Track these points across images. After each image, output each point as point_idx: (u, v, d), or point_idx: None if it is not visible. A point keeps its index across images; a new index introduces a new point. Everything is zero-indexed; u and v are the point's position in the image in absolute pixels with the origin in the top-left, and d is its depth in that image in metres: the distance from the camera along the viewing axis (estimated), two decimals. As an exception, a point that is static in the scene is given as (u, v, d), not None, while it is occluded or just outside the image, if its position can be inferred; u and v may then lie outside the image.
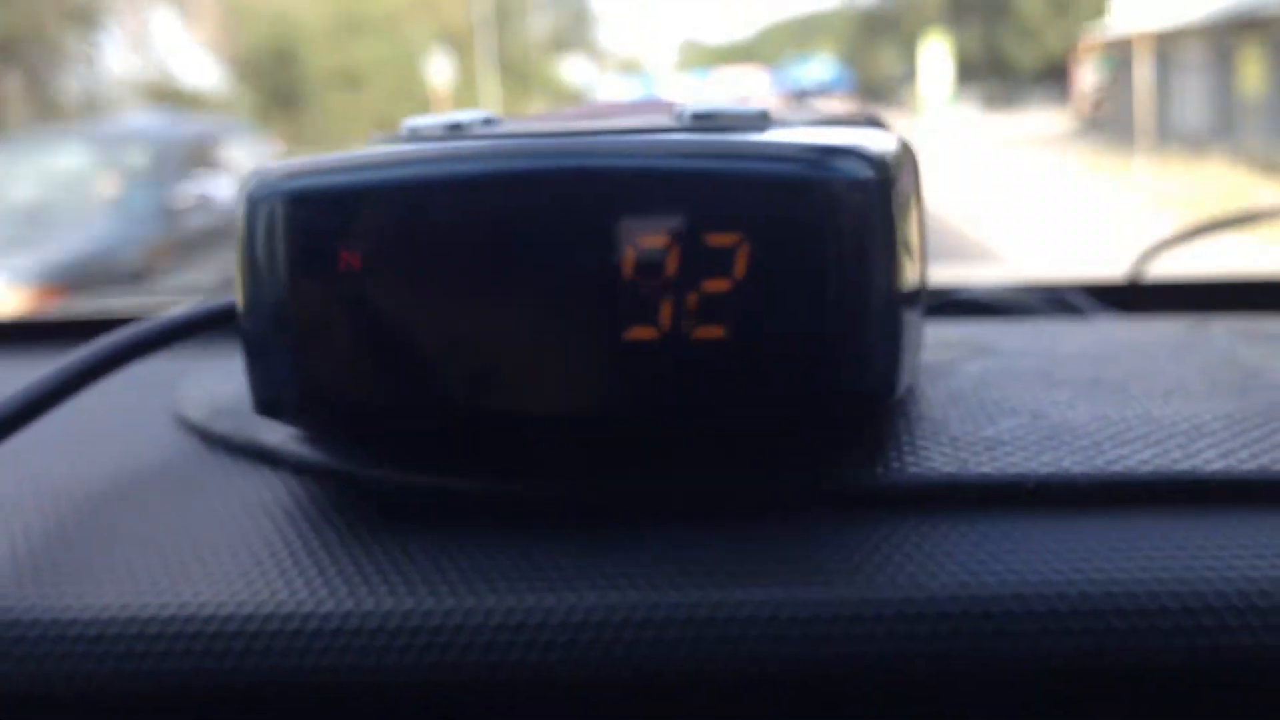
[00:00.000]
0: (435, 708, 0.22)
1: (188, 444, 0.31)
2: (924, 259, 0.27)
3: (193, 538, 0.26)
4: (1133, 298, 0.54)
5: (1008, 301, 0.49)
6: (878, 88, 45.77)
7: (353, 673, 0.22)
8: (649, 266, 0.23)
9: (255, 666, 0.22)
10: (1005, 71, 29.87)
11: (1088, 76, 16.26)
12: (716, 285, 0.23)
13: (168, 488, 0.28)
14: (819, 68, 42.03)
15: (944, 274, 0.46)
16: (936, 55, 23.87)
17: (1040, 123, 20.61)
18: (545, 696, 0.22)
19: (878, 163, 0.23)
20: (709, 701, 0.22)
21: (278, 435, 0.29)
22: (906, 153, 0.27)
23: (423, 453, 0.27)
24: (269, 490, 0.28)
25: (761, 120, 0.25)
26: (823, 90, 41.85)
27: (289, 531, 0.25)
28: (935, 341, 0.33)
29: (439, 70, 15.16)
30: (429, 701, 0.22)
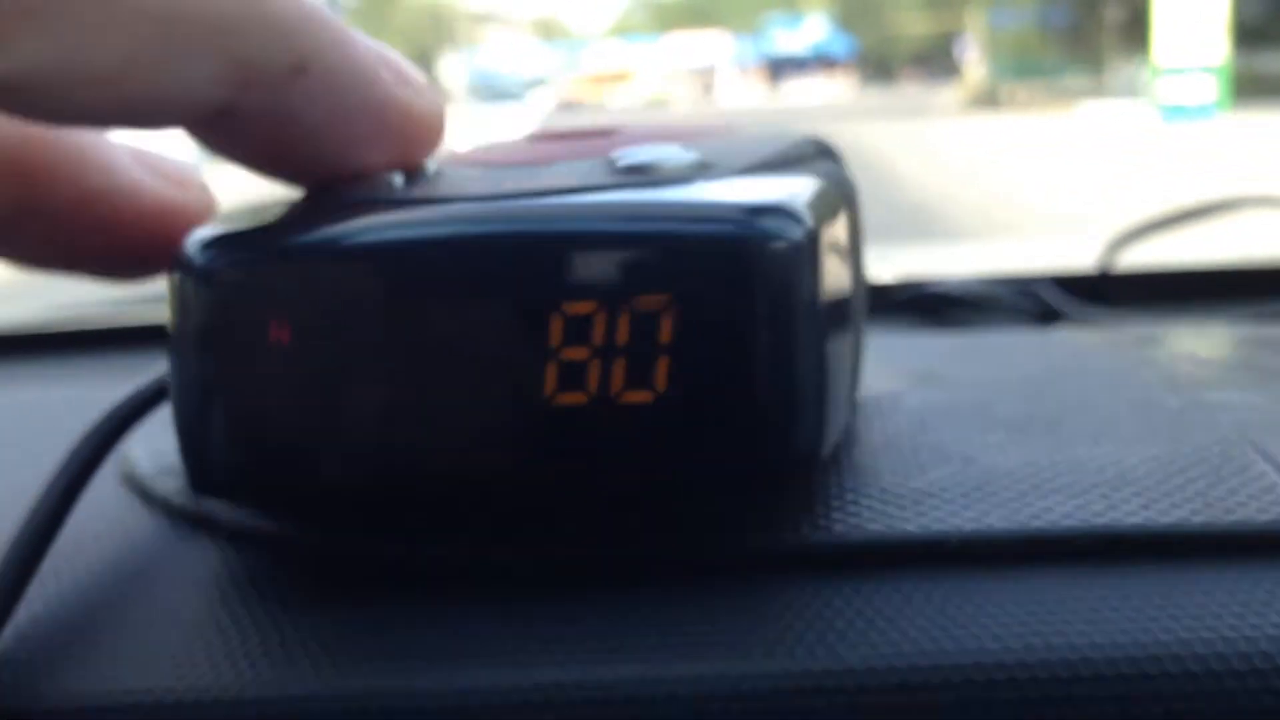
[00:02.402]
0: None
1: (130, 503, 0.31)
2: (862, 295, 0.28)
3: (125, 613, 0.26)
4: (1103, 288, 0.57)
5: (976, 295, 0.52)
6: (890, 57, 35.91)
7: None
8: (577, 332, 0.23)
9: None
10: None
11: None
12: (643, 350, 0.23)
13: (107, 558, 0.28)
14: (808, 32, 33.58)
15: (914, 256, 0.51)
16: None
17: None
18: None
19: (806, 218, 0.23)
20: None
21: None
22: (843, 192, 0.28)
23: (356, 519, 0.27)
24: (203, 558, 0.28)
25: (696, 171, 0.26)
26: (815, 61, 34.45)
27: (220, 608, 0.25)
28: (881, 363, 0.34)
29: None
30: None
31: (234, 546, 0.28)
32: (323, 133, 0.24)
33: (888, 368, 0.35)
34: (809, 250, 0.23)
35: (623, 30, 37.06)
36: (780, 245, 0.23)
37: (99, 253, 0.26)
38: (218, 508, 0.29)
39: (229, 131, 0.24)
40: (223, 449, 0.25)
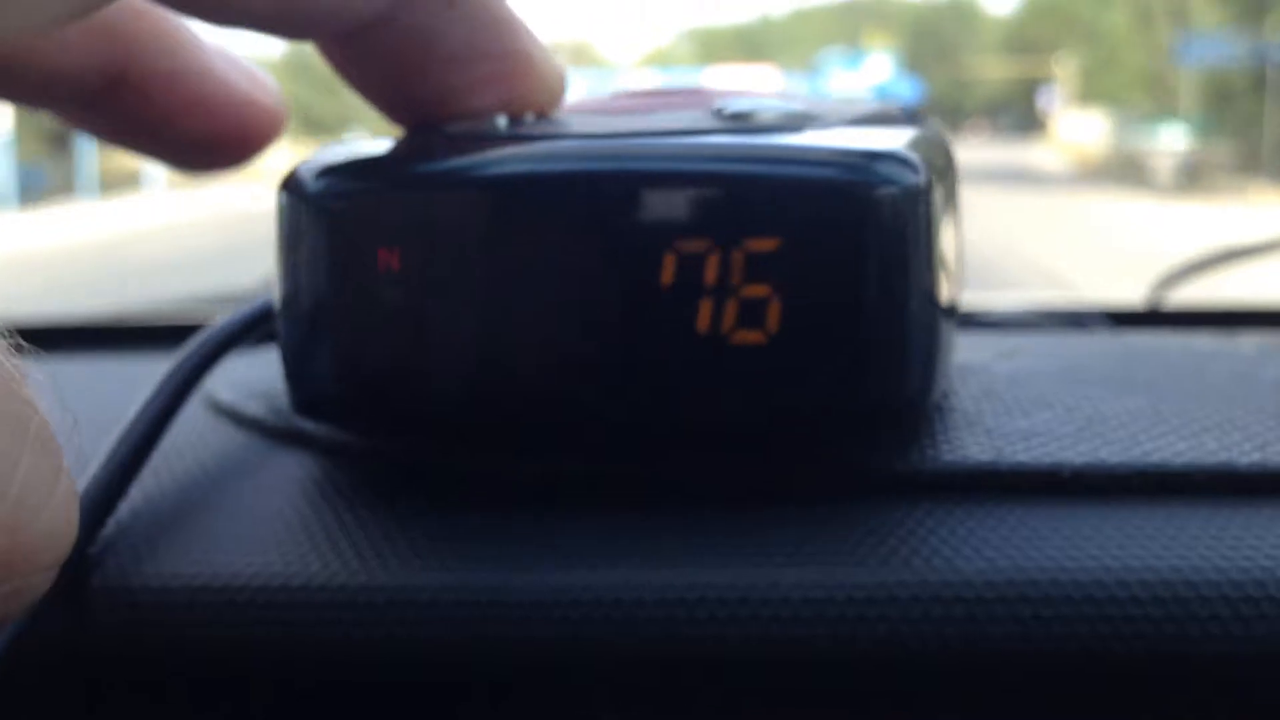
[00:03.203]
0: (465, 678, 0.24)
1: (220, 426, 0.33)
2: (961, 262, 0.29)
3: (227, 511, 0.27)
4: (1153, 323, 0.58)
5: (1029, 322, 0.53)
6: (961, 104, 32.49)
7: (387, 643, 0.24)
8: (689, 271, 0.24)
9: (295, 634, 0.24)
10: None
11: None
12: (756, 291, 0.24)
13: (204, 468, 0.30)
14: (874, 71, 30.40)
15: (966, 297, 0.47)
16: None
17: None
18: (580, 674, 0.24)
19: (920, 165, 0.24)
20: (743, 682, 0.23)
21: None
22: (948, 155, 0.28)
23: (455, 440, 0.28)
24: (302, 470, 0.29)
25: (801, 120, 0.26)
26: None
27: (323, 509, 0.26)
28: (965, 345, 0.35)
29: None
30: (459, 671, 0.24)
31: (329, 459, 0.29)
32: (455, 65, 0.25)
33: (969, 346, 0.35)
34: (923, 197, 0.24)
35: (662, 60, 33.92)
36: (896, 190, 0.23)
37: (182, 134, 0.27)
38: (310, 426, 0.29)
39: (368, 49, 0.24)
40: (329, 371, 0.26)
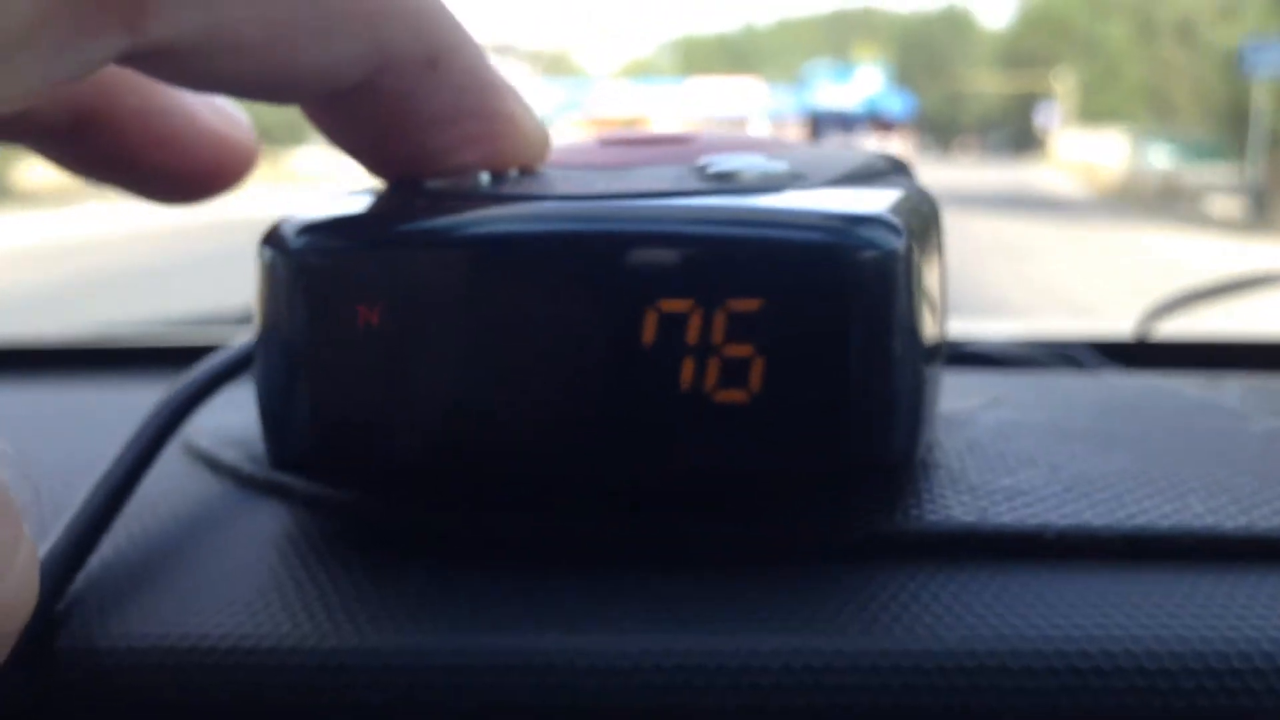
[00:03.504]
0: None
1: (195, 473, 0.33)
2: (945, 312, 0.30)
3: (199, 567, 0.27)
4: (1140, 356, 0.57)
5: (1015, 356, 0.53)
6: (955, 120, 31.27)
7: (357, 708, 0.23)
8: (671, 330, 0.24)
9: (260, 696, 0.24)
10: None
11: None
12: (738, 350, 0.24)
13: (177, 518, 0.30)
14: (863, 84, 29.21)
15: (952, 326, 0.48)
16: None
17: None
18: None
19: (903, 228, 0.25)
20: None
21: None
22: (931, 208, 0.29)
23: (429, 495, 0.28)
24: (277, 523, 0.29)
25: (784, 180, 0.27)
26: (866, 119, 30.15)
27: (295, 565, 0.27)
28: (950, 390, 0.36)
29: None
30: None
31: (305, 511, 0.29)
32: (437, 127, 0.25)
33: (953, 392, 0.36)
34: (905, 260, 0.24)
35: (642, 70, 32.64)
36: (878, 255, 0.24)
37: (153, 170, 0.27)
38: (287, 477, 0.29)
39: (347, 113, 0.25)
40: (306, 425, 0.26)
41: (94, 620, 0.25)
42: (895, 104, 29.12)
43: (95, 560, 0.27)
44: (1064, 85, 26.91)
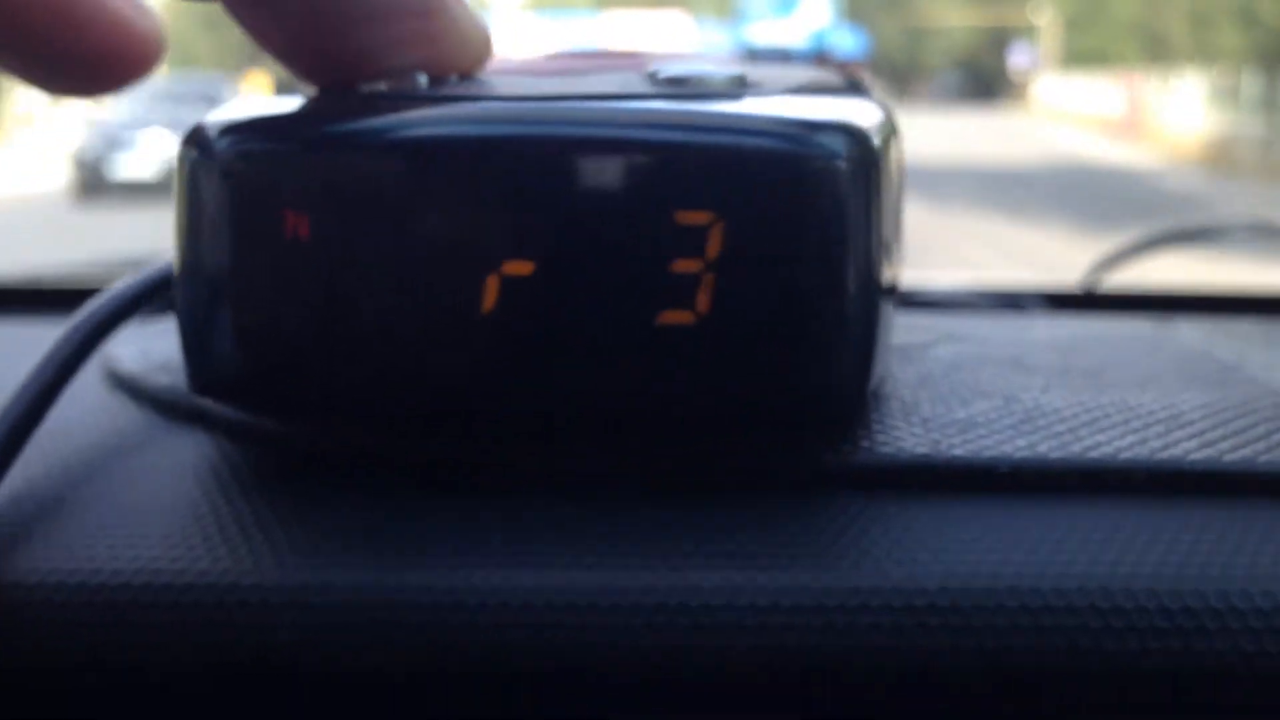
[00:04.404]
0: (363, 683, 0.23)
1: (116, 400, 0.32)
2: (901, 241, 0.29)
3: (115, 498, 0.26)
4: (1089, 306, 0.59)
5: (964, 302, 0.55)
6: (916, 60, 27.60)
7: (277, 648, 0.23)
8: (617, 243, 0.23)
9: (177, 636, 0.23)
10: None
11: None
12: (685, 267, 0.23)
13: (94, 446, 0.29)
14: (808, 17, 25.70)
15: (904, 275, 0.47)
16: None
17: None
18: (489, 682, 0.23)
19: (866, 139, 0.24)
20: (657, 692, 0.23)
21: None
22: (893, 126, 0.28)
23: (360, 421, 0.27)
24: (200, 452, 0.28)
25: (741, 86, 0.26)
26: (818, 58, 26.86)
27: (218, 497, 0.26)
28: (904, 326, 0.35)
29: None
30: (356, 680, 0.23)
31: (229, 441, 0.28)
32: (372, 24, 0.24)
33: (906, 328, 0.35)
34: (868, 172, 0.23)
35: (549, 3, 28.89)
36: (839, 164, 0.23)
37: (51, 54, 0.26)
38: (211, 404, 0.28)
39: (279, 7, 0.24)
40: (228, 346, 0.25)
41: (0, 554, 0.24)
42: (846, 41, 25.80)
43: (3, 490, 0.26)
44: (1044, 20, 23.45)
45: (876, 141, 0.24)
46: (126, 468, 0.27)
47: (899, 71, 28.87)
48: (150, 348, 0.33)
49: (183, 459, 0.28)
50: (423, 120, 0.24)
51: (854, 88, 0.30)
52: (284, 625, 0.22)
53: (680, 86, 0.25)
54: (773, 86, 0.26)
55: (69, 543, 0.24)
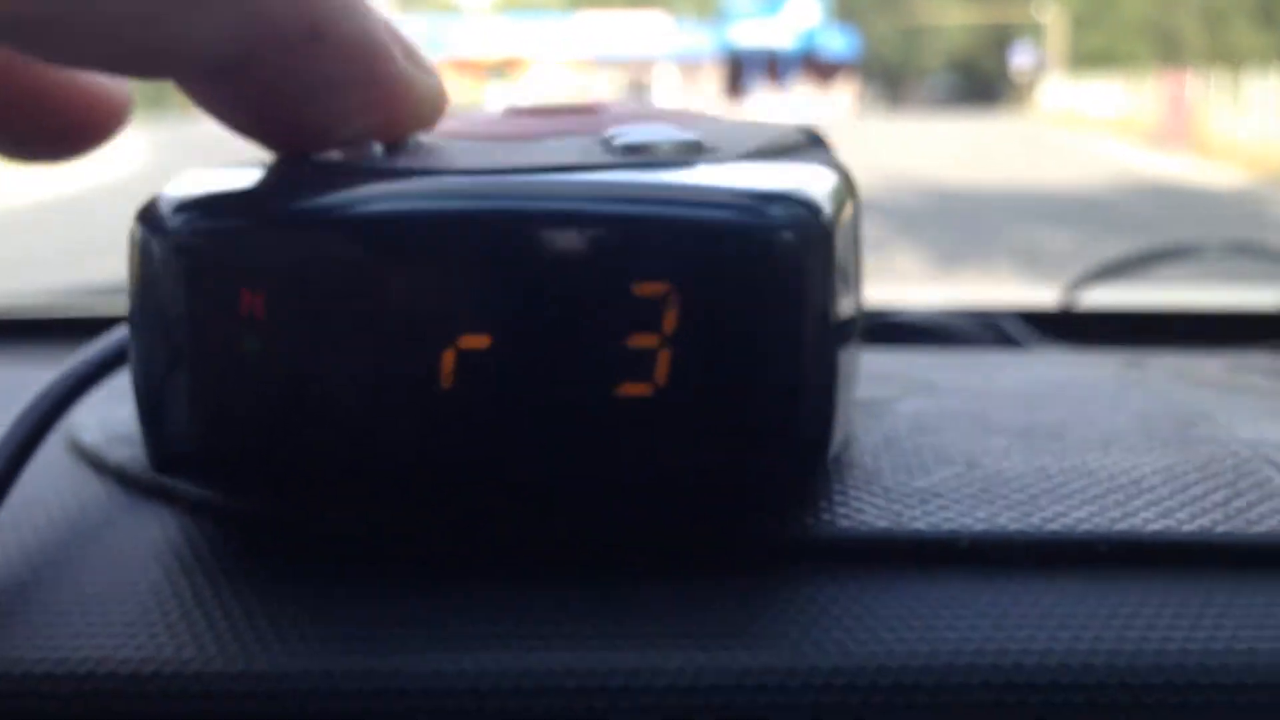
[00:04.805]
0: None
1: (79, 473, 0.32)
2: (860, 294, 0.30)
3: (76, 581, 0.26)
4: (1066, 326, 0.59)
5: (940, 327, 0.54)
6: (910, 61, 26.35)
7: None
8: (574, 317, 0.24)
9: None
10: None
11: None
12: (644, 340, 0.24)
13: (56, 524, 0.29)
14: (797, 16, 24.42)
15: (876, 294, 0.52)
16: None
17: None
18: None
19: (820, 208, 0.24)
20: None
21: None
22: (848, 184, 0.28)
23: (325, 499, 0.27)
24: (163, 530, 0.28)
25: (694, 153, 0.26)
26: (798, 60, 25.50)
27: (180, 579, 0.26)
28: (871, 374, 0.35)
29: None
30: None
31: (192, 519, 0.28)
32: (324, 100, 0.24)
33: (873, 377, 0.35)
34: (822, 240, 0.24)
35: (521, 4, 27.48)
36: (794, 235, 0.23)
37: (18, 124, 0.26)
38: (175, 479, 0.29)
39: (228, 90, 0.24)
40: (186, 424, 0.25)
41: None
42: (836, 42, 24.52)
43: None
44: (1050, 16, 22.12)
45: (829, 209, 0.24)
46: (89, 548, 0.27)
47: (892, 73, 27.55)
48: (110, 417, 0.33)
49: (145, 537, 0.27)
50: (376, 196, 0.24)
51: (814, 143, 0.30)
52: (249, 713, 0.23)
53: (635, 155, 0.26)
54: (728, 152, 0.26)
55: (33, 633, 0.24)
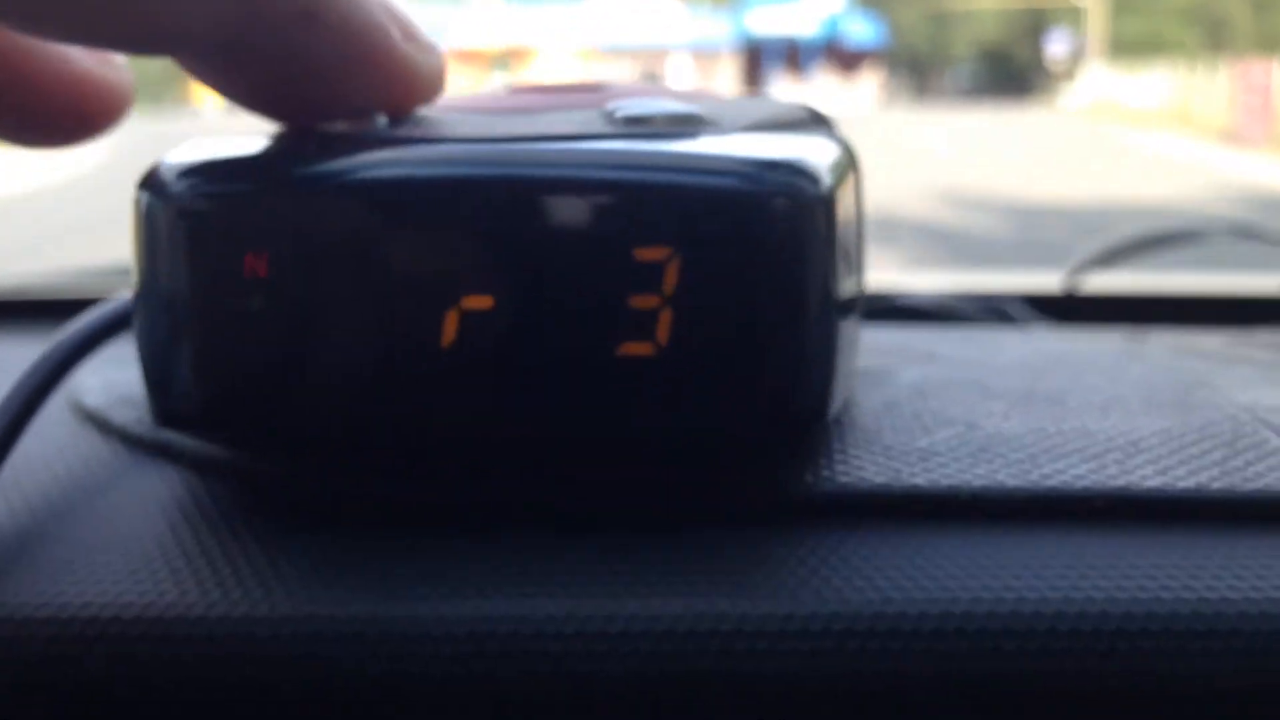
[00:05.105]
0: (327, 716, 0.24)
1: (83, 434, 0.32)
2: (862, 267, 0.30)
3: (81, 534, 0.27)
4: (1069, 309, 0.59)
5: (945, 309, 0.55)
6: (941, 49, 25.23)
7: (240, 679, 0.23)
8: (577, 280, 0.24)
9: (147, 671, 0.23)
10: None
11: None
12: (645, 301, 0.24)
13: (60, 480, 0.29)
14: (820, 3, 23.33)
15: (880, 278, 0.54)
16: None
17: None
18: (461, 709, 0.24)
19: (819, 177, 0.25)
20: (641, 713, 0.24)
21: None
22: (850, 159, 0.29)
23: (325, 456, 0.28)
24: (166, 486, 0.29)
25: (695, 124, 0.27)
26: (829, 48, 24.47)
27: (184, 531, 0.26)
28: (872, 347, 0.36)
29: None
30: (326, 713, 0.24)
31: (196, 475, 0.29)
32: (321, 78, 0.25)
33: (874, 350, 0.36)
34: (823, 209, 0.24)
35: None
36: (793, 202, 0.24)
37: (18, 109, 0.26)
38: (178, 437, 0.29)
39: (225, 68, 0.25)
40: (190, 382, 0.26)
41: None
42: (861, 30, 23.46)
43: None
44: (1089, 1, 20.94)
45: (828, 178, 0.25)
46: (93, 502, 0.28)
47: (918, 63, 26.43)
48: (114, 379, 0.33)
49: (149, 493, 0.28)
50: (381, 162, 0.24)
51: (817, 121, 0.31)
52: (252, 658, 0.23)
53: (636, 126, 0.26)
54: (729, 124, 0.27)
55: (38, 580, 0.25)
